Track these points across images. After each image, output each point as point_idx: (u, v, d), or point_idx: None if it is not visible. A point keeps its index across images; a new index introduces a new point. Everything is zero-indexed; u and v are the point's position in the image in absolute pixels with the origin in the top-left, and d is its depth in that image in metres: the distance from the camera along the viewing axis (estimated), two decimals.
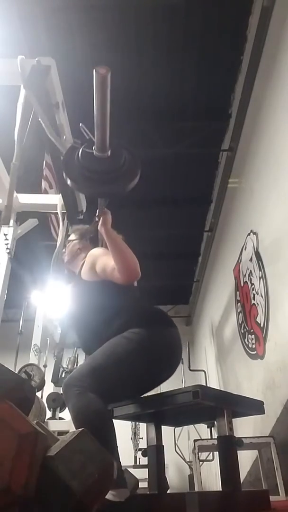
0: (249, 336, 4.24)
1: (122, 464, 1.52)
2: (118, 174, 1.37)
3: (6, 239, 2.09)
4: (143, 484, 1.83)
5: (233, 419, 1.57)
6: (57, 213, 3.28)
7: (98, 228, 1.69)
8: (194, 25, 3.78)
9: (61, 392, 4.97)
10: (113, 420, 1.63)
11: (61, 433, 3.26)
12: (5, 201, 3.04)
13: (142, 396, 1.68)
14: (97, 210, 1.66)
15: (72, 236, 2.16)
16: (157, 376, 1.69)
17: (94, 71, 1.08)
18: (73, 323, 1.90)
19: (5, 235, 2.10)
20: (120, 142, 1.39)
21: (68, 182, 1.35)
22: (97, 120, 1.21)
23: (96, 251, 1.87)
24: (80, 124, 1.31)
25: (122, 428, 5.84)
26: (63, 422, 4.48)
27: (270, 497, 1.67)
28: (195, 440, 3.47)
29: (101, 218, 1.66)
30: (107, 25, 3.72)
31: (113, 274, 1.68)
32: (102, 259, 1.77)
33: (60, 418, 4.86)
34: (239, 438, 1.63)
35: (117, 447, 1.51)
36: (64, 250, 2.18)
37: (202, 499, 1.35)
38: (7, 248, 2.07)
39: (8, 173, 2.87)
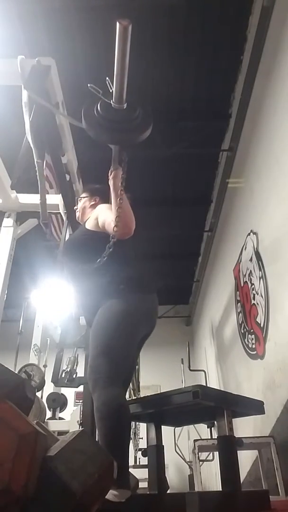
0: (249, 336, 4.24)
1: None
2: (132, 125, 1.46)
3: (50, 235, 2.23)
4: (143, 484, 1.83)
5: (233, 419, 1.57)
6: (57, 213, 3.28)
7: (108, 181, 1.77)
8: (194, 25, 3.78)
9: (62, 392, 4.95)
10: None
11: (61, 433, 3.26)
12: (6, 201, 3.06)
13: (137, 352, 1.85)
14: (112, 166, 1.75)
15: (84, 194, 2.27)
16: (139, 333, 1.82)
17: (117, 22, 1.17)
18: (70, 261, 2.00)
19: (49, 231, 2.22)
20: (136, 98, 1.50)
21: (86, 128, 1.45)
22: (117, 72, 1.31)
23: (103, 205, 1.99)
24: (107, 78, 1.42)
25: None
26: (63, 422, 4.49)
27: (270, 497, 1.67)
28: (195, 440, 3.47)
29: (112, 172, 1.75)
30: (107, 25, 3.72)
31: (109, 227, 1.77)
32: (106, 212, 1.88)
33: (60, 418, 4.86)
34: (239, 438, 1.63)
35: (129, 446, 1.54)
36: (76, 207, 2.29)
37: (202, 499, 1.35)
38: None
39: (8, 173, 2.87)
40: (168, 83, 4.29)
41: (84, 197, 2.25)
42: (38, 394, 4.57)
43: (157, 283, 1.98)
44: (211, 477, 5.56)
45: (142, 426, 5.83)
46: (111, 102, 1.41)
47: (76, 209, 2.28)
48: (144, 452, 1.77)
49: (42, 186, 2.30)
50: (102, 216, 1.88)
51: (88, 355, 1.82)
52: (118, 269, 1.81)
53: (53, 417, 4.79)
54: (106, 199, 1.99)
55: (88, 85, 1.41)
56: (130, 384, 5.30)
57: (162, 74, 4.20)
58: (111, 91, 1.41)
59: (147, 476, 1.72)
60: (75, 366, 5.01)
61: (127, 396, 2.11)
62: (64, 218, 3.10)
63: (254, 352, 4.06)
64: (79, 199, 2.29)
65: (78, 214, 2.24)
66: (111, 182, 1.76)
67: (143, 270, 2.01)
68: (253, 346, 4.09)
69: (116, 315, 1.72)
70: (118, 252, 1.78)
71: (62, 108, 2.54)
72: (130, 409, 1.66)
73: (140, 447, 5.88)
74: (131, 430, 6.01)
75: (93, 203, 2.17)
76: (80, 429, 1.09)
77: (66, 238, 3.01)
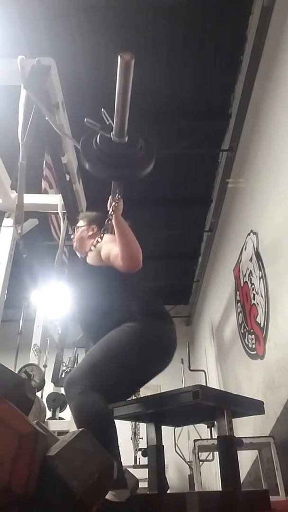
0: (249, 336, 4.24)
1: (122, 464, 1.52)
2: (134, 160, 1.40)
3: (20, 239, 2.14)
4: (143, 484, 1.83)
5: (233, 419, 1.57)
6: (57, 213, 3.28)
7: (112, 215, 1.71)
8: (194, 25, 3.78)
9: (62, 392, 4.96)
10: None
11: (61, 433, 3.26)
12: (6, 201, 3.06)
13: (139, 387, 1.74)
14: (110, 196, 1.69)
15: (81, 223, 2.19)
16: (151, 369, 1.73)
17: (118, 56, 1.12)
18: (75, 307, 1.95)
19: (19, 234, 2.14)
20: (138, 130, 1.44)
21: (86, 165, 1.39)
22: (118, 106, 1.25)
23: (104, 238, 1.90)
24: (102, 110, 1.36)
25: (122, 428, 5.82)
26: (63, 422, 4.49)
27: (270, 497, 1.67)
28: (195, 440, 3.47)
29: (112, 204, 1.68)
30: (107, 25, 3.72)
31: (116, 261, 1.71)
32: (108, 245, 1.81)
33: (60, 418, 4.86)
34: (239, 438, 1.63)
35: (119, 447, 1.52)
36: (72, 236, 2.23)
37: (202, 499, 1.34)
38: (20, 248, 2.10)
39: (8, 173, 2.87)
40: (168, 83, 4.29)
41: (81, 227, 2.17)
42: (38, 394, 4.57)
43: (165, 313, 1.88)
44: (211, 477, 5.56)
45: (142, 426, 5.83)
46: (111, 136, 1.34)
47: (73, 238, 2.20)
48: (144, 452, 1.77)
49: (21, 188, 2.25)
50: (106, 249, 1.80)
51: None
52: (131, 304, 1.74)
53: (53, 417, 4.79)
54: (103, 227, 1.93)
55: (85, 119, 1.34)
56: None
57: (162, 74, 4.20)
58: (108, 123, 1.35)
59: (147, 476, 1.71)
60: (75, 366, 5.01)
61: None
62: (64, 218, 3.10)
63: (254, 352, 4.06)
64: (75, 228, 2.21)
65: (76, 245, 2.16)
66: (113, 215, 1.68)
67: (157, 300, 1.90)
68: (253, 346, 4.09)
69: (125, 336, 1.63)
70: (126, 284, 1.75)
71: (62, 108, 2.54)
72: (130, 409, 1.66)
73: (140, 447, 5.88)
74: (132, 430, 6.06)
75: (91, 233, 2.09)
76: (80, 429, 1.09)
77: (65, 237, 3.01)
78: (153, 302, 1.86)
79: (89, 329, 1.87)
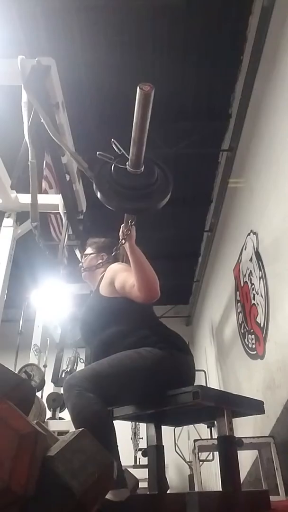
0: (249, 336, 4.24)
1: (122, 464, 1.52)
2: (150, 191, 1.35)
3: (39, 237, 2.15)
4: (143, 484, 1.83)
5: (233, 419, 1.57)
6: (57, 213, 3.28)
7: (123, 243, 1.65)
8: (194, 25, 3.78)
9: (62, 391, 4.97)
10: (114, 420, 1.64)
11: (61, 433, 3.26)
12: (6, 201, 3.06)
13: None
14: (122, 225, 1.64)
15: (89, 250, 2.12)
16: (157, 395, 1.64)
17: (138, 88, 1.08)
18: (87, 335, 1.86)
19: (38, 232, 2.13)
20: (152, 158, 1.38)
21: (99, 196, 1.34)
22: (135, 137, 1.21)
23: (116, 267, 1.84)
24: (112, 140, 1.30)
25: (122, 428, 5.82)
26: (63, 422, 4.49)
27: (270, 497, 1.67)
28: (195, 440, 3.47)
29: (125, 233, 1.63)
30: (107, 25, 3.72)
31: (132, 291, 1.66)
32: (122, 275, 1.75)
33: (60, 418, 4.86)
34: (239, 438, 1.63)
35: (117, 447, 1.51)
36: (81, 264, 2.14)
37: (202, 499, 1.35)
38: (42, 246, 2.08)
39: (8, 173, 2.87)
40: (168, 83, 4.29)
41: (89, 254, 2.09)
42: (38, 394, 4.57)
43: (185, 344, 1.82)
44: (211, 477, 5.56)
45: (142, 426, 5.83)
46: (127, 167, 1.28)
47: (82, 266, 2.10)
48: (144, 452, 1.77)
49: (34, 187, 2.24)
50: (120, 278, 1.74)
51: (89, 355, 1.76)
52: (148, 333, 1.68)
53: (53, 417, 4.79)
54: (115, 255, 1.85)
55: (97, 153, 1.28)
56: None
57: (162, 74, 4.20)
58: (120, 153, 1.29)
59: (147, 476, 1.71)
60: (75, 366, 5.01)
61: None
62: (64, 218, 3.10)
63: (254, 352, 4.06)
64: (84, 256, 2.14)
65: (85, 273, 2.06)
66: (126, 245, 1.63)
67: (171, 332, 1.83)
68: (253, 346, 4.09)
69: (142, 361, 1.57)
70: (146, 317, 1.71)
71: (62, 108, 2.54)
72: (130, 409, 1.66)
73: (140, 447, 5.88)
74: (132, 430, 6.06)
75: (100, 261, 1.98)
76: (80, 429, 1.09)
77: (66, 240, 3.00)
78: (169, 333, 1.80)
79: (100, 355, 1.74)
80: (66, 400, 1.55)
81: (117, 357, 1.60)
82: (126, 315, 1.71)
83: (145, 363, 1.58)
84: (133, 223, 1.59)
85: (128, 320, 1.72)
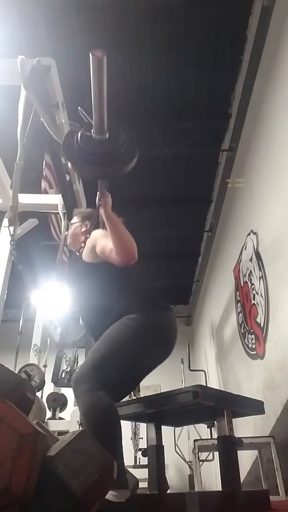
0: (249, 336, 4.24)
1: (125, 464, 1.52)
2: (117, 156, 1.39)
3: (13, 240, 2.08)
4: (143, 484, 1.83)
5: (233, 419, 1.57)
6: (57, 213, 3.28)
7: (99, 210, 1.72)
8: (194, 25, 3.78)
9: (62, 392, 4.96)
10: None
11: (61, 433, 3.26)
12: (6, 201, 3.06)
13: (143, 377, 1.73)
14: (98, 193, 1.69)
15: (74, 219, 2.19)
16: (153, 358, 1.73)
17: (90, 54, 1.11)
18: (76, 305, 1.95)
19: (12, 235, 2.09)
20: (118, 125, 1.42)
21: (69, 165, 1.38)
22: (95, 103, 1.24)
23: (97, 233, 1.90)
24: (79, 108, 1.34)
25: (122, 428, 5.84)
26: (63, 422, 4.49)
27: (270, 497, 1.67)
28: (195, 440, 3.46)
29: (101, 200, 1.69)
30: (107, 25, 3.72)
31: (111, 255, 1.72)
32: (102, 241, 1.81)
33: (60, 418, 4.86)
34: (239, 438, 1.63)
35: (122, 446, 1.52)
36: (66, 233, 2.22)
37: (202, 499, 1.34)
38: (12, 250, 2.06)
39: (8, 173, 2.87)
40: (168, 83, 4.29)
41: (74, 223, 2.16)
42: (38, 394, 4.56)
43: (163, 302, 1.87)
44: (211, 477, 5.56)
45: (142, 426, 5.83)
46: (92, 134, 1.33)
47: (67, 235, 2.20)
48: (144, 452, 1.77)
49: (16, 189, 2.23)
50: (100, 244, 1.80)
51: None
52: (129, 297, 1.75)
53: (53, 417, 4.79)
54: (97, 224, 1.93)
55: (78, 107, 1.34)
56: None
57: (162, 74, 4.20)
58: (86, 121, 1.33)
59: (147, 476, 1.71)
60: (75, 366, 5.00)
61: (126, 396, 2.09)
62: (64, 218, 3.10)
63: (254, 352, 4.06)
64: (70, 225, 2.20)
65: (69, 241, 2.15)
66: (102, 212, 1.70)
67: (154, 291, 1.90)
68: (253, 346, 4.09)
69: (127, 331, 1.64)
70: (123, 277, 1.75)
71: (62, 108, 2.54)
72: (130, 409, 1.66)
73: (140, 447, 5.88)
74: (132, 430, 6.06)
75: (84, 229, 2.07)
76: (80, 429, 1.09)
77: (66, 240, 3.01)
78: (151, 293, 1.87)
79: (91, 326, 1.89)
80: (76, 397, 1.57)
81: (107, 337, 1.66)
82: (108, 279, 1.76)
83: (132, 332, 1.65)
84: (105, 189, 1.64)
85: (109, 285, 1.77)
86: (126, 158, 1.40)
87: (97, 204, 1.69)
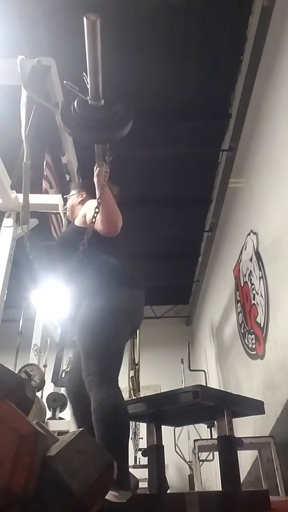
0: (249, 336, 4.24)
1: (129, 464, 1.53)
2: (112, 122, 1.43)
3: (26, 240, 2.10)
4: (143, 484, 1.83)
5: (233, 419, 1.57)
6: (57, 213, 3.28)
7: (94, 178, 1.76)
8: (194, 25, 3.78)
9: (62, 392, 4.95)
10: None
11: (61, 433, 3.26)
12: (6, 201, 3.06)
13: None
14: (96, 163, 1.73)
15: (72, 192, 2.25)
16: (124, 335, 1.78)
17: (84, 18, 1.15)
18: (61, 267, 2.00)
19: (26, 233, 2.11)
20: (114, 93, 1.46)
21: (67, 130, 1.44)
22: (90, 68, 1.28)
23: (90, 201, 1.96)
24: (65, 82, 1.40)
25: None
26: (63, 422, 4.48)
27: (270, 497, 1.67)
28: (195, 440, 3.47)
29: (97, 169, 1.74)
30: (107, 25, 3.71)
31: (97, 224, 1.76)
32: (92, 208, 1.85)
33: (60, 418, 4.86)
34: (239, 438, 1.63)
35: (128, 446, 1.53)
36: (66, 206, 2.29)
37: (202, 499, 1.34)
38: (27, 247, 2.07)
39: (8, 173, 2.88)
40: (168, 83, 4.29)
41: (72, 195, 2.24)
42: (38, 394, 4.56)
43: (142, 282, 1.96)
44: (211, 477, 5.56)
45: (142, 426, 5.83)
46: (88, 99, 1.37)
47: (66, 208, 2.27)
48: (144, 452, 1.77)
49: (26, 189, 2.25)
50: (89, 212, 1.86)
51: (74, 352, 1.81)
52: (103, 261, 1.81)
53: (53, 417, 4.79)
54: (93, 194, 1.96)
55: (64, 82, 1.39)
56: (130, 384, 5.31)
57: (162, 74, 4.20)
58: (77, 90, 1.39)
59: (147, 476, 1.71)
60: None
61: (126, 396, 2.10)
62: (64, 218, 3.10)
63: (254, 352, 4.06)
64: (68, 197, 2.28)
65: (68, 213, 2.22)
66: (95, 179, 1.75)
67: (129, 266, 1.98)
68: (253, 346, 4.09)
69: (101, 312, 1.70)
70: (105, 245, 1.80)
71: None
72: (130, 409, 1.66)
73: (140, 447, 5.88)
74: (132, 430, 6.06)
75: (80, 199, 2.15)
76: (80, 429, 1.09)
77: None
78: (124, 268, 1.92)
79: (69, 285, 1.92)
80: (89, 392, 1.58)
81: (87, 316, 1.72)
82: (91, 246, 1.78)
83: (107, 304, 1.71)
84: (106, 160, 1.66)
85: (90, 252, 1.80)
86: (121, 124, 1.44)
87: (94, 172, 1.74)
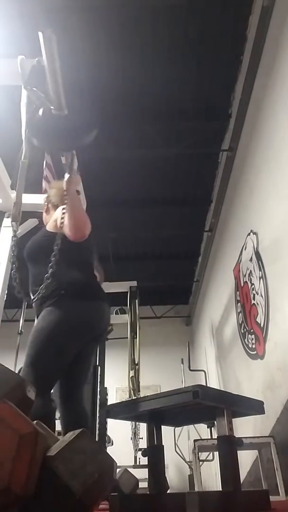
0: (249, 336, 4.24)
1: (123, 464, 1.53)
2: (75, 131, 1.48)
3: (15, 236, 2.10)
4: (143, 484, 1.83)
5: (233, 419, 1.57)
6: None
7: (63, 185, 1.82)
8: (194, 25, 3.78)
9: None
10: (114, 420, 1.66)
11: (61, 433, 3.25)
12: (5, 201, 3.06)
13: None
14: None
15: (47, 194, 2.32)
16: (72, 345, 1.85)
17: (39, 33, 1.20)
18: (29, 263, 2.08)
19: (14, 231, 2.11)
20: (78, 103, 1.56)
21: (34, 141, 1.49)
22: (50, 79, 1.35)
23: (61, 207, 1.99)
24: (34, 88, 1.49)
25: (122, 428, 5.86)
26: None
27: (270, 497, 1.67)
28: (195, 440, 3.46)
29: (67, 176, 1.79)
30: (107, 25, 3.72)
31: (65, 229, 1.82)
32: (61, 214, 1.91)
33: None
34: (239, 438, 1.63)
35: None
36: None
37: (202, 499, 1.34)
38: (13, 245, 2.07)
39: (8, 173, 2.87)
40: (168, 83, 4.29)
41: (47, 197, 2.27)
42: None
43: (103, 292, 2.01)
44: (211, 477, 5.56)
45: (142, 426, 5.83)
46: (52, 110, 1.43)
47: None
48: (144, 452, 1.77)
49: (21, 186, 2.26)
50: (59, 217, 1.89)
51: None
52: (62, 273, 1.83)
53: None
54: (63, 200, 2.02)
55: (33, 88, 1.45)
56: (130, 384, 5.31)
57: (162, 74, 4.20)
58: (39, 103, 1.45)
59: (147, 476, 1.71)
60: None
61: (126, 396, 2.12)
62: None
63: (254, 352, 4.06)
64: (44, 200, 2.31)
65: (44, 215, 2.26)
66: (65, 187, 1.79)
67: (91, 276, 2.03)
68: (253, 346, 4.09)
69: (49, 325, 1.77)
70: (66, 256, 1.82)
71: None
72: (130, 409, 1.66)
73: (140, 447, 5.88)
74: (132, 430, 6.06)
75: (45, 208, 2.21)
76: (80, 429, 1.09)
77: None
78: (86, 276, 1.97)
79: (35, 290, 1.95)
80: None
81: (37, 327, 1.82)
82: (62, 252, 1.83)
83: (57, 318, 1.80)
84: (72, 166, 1.74)
85: (62, 257, 1.83)
86: (83, 132, 1.48)
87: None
